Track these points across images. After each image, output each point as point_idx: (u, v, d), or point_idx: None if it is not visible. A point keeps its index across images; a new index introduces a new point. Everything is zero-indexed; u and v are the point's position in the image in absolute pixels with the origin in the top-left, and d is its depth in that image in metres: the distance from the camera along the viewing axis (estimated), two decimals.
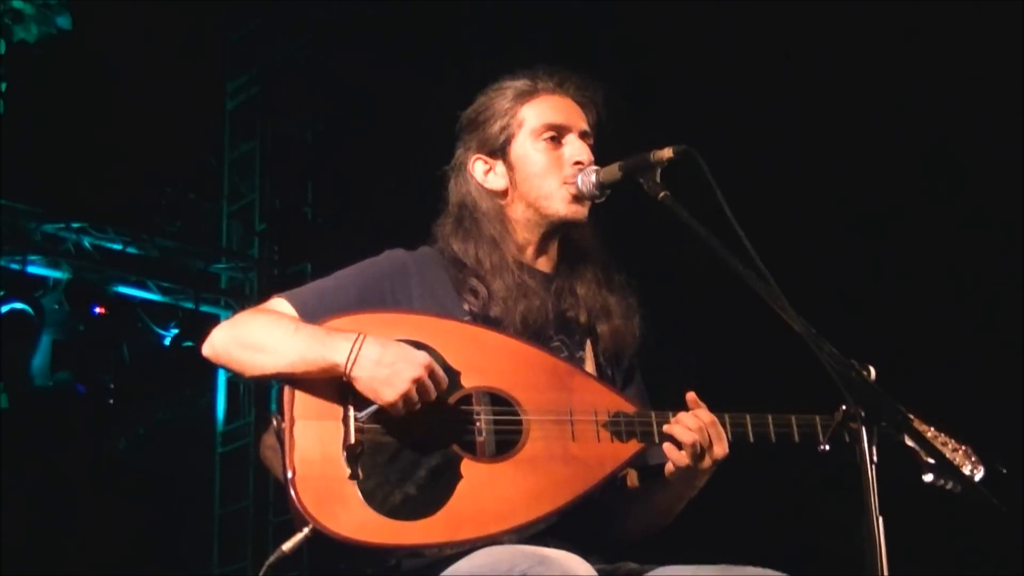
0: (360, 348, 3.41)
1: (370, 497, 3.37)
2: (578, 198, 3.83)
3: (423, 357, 3.42)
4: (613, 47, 9.51)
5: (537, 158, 3.86)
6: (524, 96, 3.92)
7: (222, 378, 11.94)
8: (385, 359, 3.40)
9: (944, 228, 8.80)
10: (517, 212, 3.88)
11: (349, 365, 3.40)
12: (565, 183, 3.83)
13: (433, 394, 3.42)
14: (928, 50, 8.66)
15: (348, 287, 3.71)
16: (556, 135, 3.87)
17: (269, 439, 3.56)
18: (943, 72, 8.64)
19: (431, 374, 3.41)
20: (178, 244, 11.82)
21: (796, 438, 3.70)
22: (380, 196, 11.21)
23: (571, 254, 3.94)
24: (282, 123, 12.19)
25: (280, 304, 3.66)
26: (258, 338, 3.56)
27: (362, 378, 3.40)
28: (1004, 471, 3.75)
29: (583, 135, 3.90)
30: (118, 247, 11.41)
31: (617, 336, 3.89)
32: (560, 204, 3.83)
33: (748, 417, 3.68)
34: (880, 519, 2.93)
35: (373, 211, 11.13)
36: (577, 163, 3.83)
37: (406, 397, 3.38)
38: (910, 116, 8.81)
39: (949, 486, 3.77)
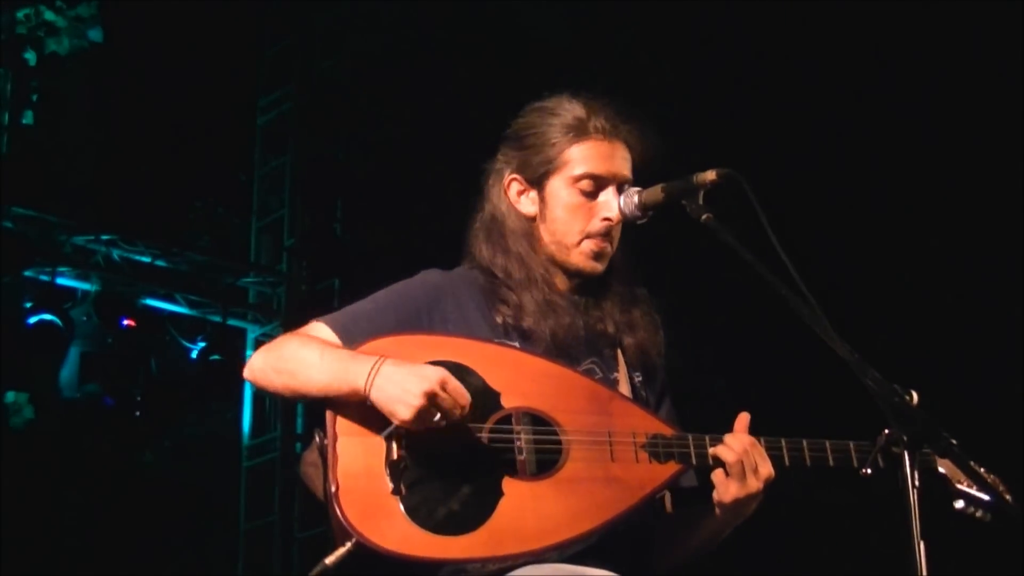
0: (377, 371, 3.42)
1: (413, 512, 3.39)
2: (597, 255, 3.84)
3: (435, 372, 3.41)
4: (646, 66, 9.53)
5: (569, 203, 3.84)
6: (574, 135, 3.85)
7: (248, 392, 11.95)
8: (395, 377, 3.40)
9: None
10: (542, 242, 3.89)
11: (367, 389, 3.42)
12: (588, 236, 3.83)
13: (450, 406, 3.40)
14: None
15: (385, 310, 3.72)
16: (594, 186, 3.84)
17: (311, 456, 3.58)
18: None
19: (444, 387, 3.39)
20: (207, 258, 11.84)
21: (831, 463, 3.71)
22: (410, 214, 11.24)
23: (599, 276, 3.93)
24: (313, 139, 12.21)
25: (319, 328, 3.68)
26: (290, 364, 3.58)
27: (379, 400, 3.41)
28: None
29: (621, 186, 3.85)
30: (147, 260, 11.43)
31: (642, 349, 3.89)
32: (577, 257, 3.85)
33: (784, 441, 3.70)
34: (922, 544, 2.94)
35: (403, 229, 11.15)
36: (605, 219, 3.82)
37: (420, 413, 3.37)
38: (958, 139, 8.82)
39: (979, 514, 3.78)
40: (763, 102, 9.38)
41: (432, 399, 3.37)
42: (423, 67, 11.45)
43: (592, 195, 3.84)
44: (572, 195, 3.84)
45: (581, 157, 3.85)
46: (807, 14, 9.09)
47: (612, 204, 3.82)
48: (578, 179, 3.84)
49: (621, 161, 3.87)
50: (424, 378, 3.38)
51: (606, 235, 3.84)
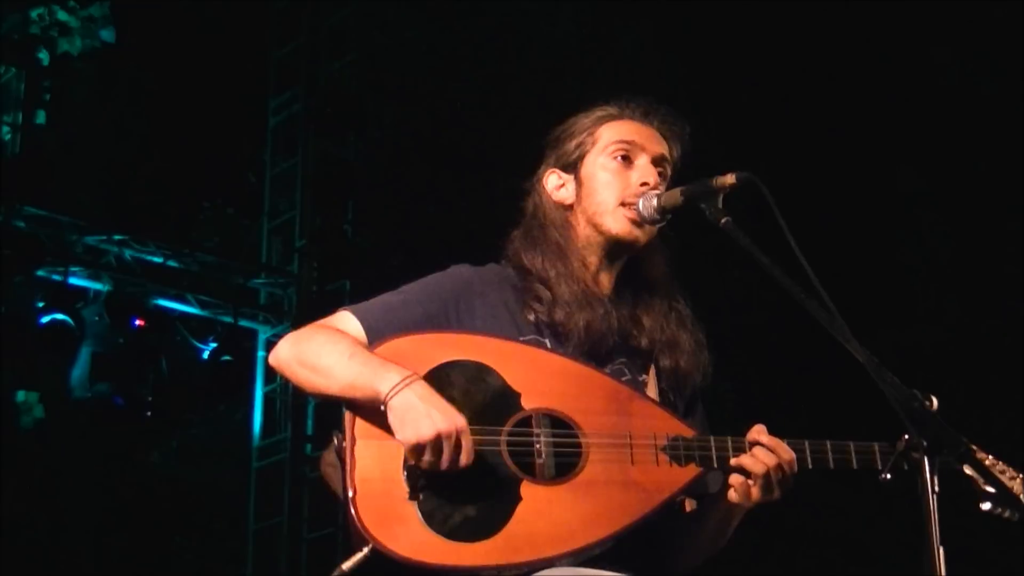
0: (409, 383, 3.41)
1: (429, 518, 3.38)
2: (637, 222, 3.80)
3: (461, 420, 3.39)
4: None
5: (603, 176, 3.86)
6: (607, 118, 3.93)
7: (259, 393, 11.96)
8: (427, 402, 3.39)
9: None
10: (580, 228, 3.88)
11: (392, 393, 3.39)
12: (625, 203, 3.81)
13: (450, 458, 3.37)
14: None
15: (414, 303, 3.71)
16: (627, 154, 3.86)
17: (329, 456, 3.56)
18: None
19: (460, 437, 3.38)
20: (218, 259, 11.85)
21: (855, 465, 3.68)
22: (420, 216, 11.24)
23: (638, 282, 3.92)
24: (324, 141, 12.20)
25: (346, 318, 3.67)
26: (316, 359, 3.57)
27: (396, 408, 3.39)
28: None
29: (656, 160, 3.87)
30: (159, 260, 11.44)
31: (680, 372, 3.87)
32: (614, 223, 3.81)
33: (807, 443, 3.67)
34: (941, 549, 2.94)
35: (412, 231, 11.16)
36: (643, 184, 3.81)
37: (422, 444, 3.35)
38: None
39: (1007, 515, 3.76)
40: (781, 104, 9.36)
41: (439, 442, 3.35)
42: (433, 69, 11.46)
43: (627, 163, 3.86)
44: (606, 163, 3.87)
45: (612, 131, 3.91)
46: (822, 14, 9.09)
47: (647, 171, 3.84)
48: (610, 149, 3.88)
49: (655, 140, 3.91)
50: (449, 420, 3.37)
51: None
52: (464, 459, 3.39)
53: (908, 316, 8.89)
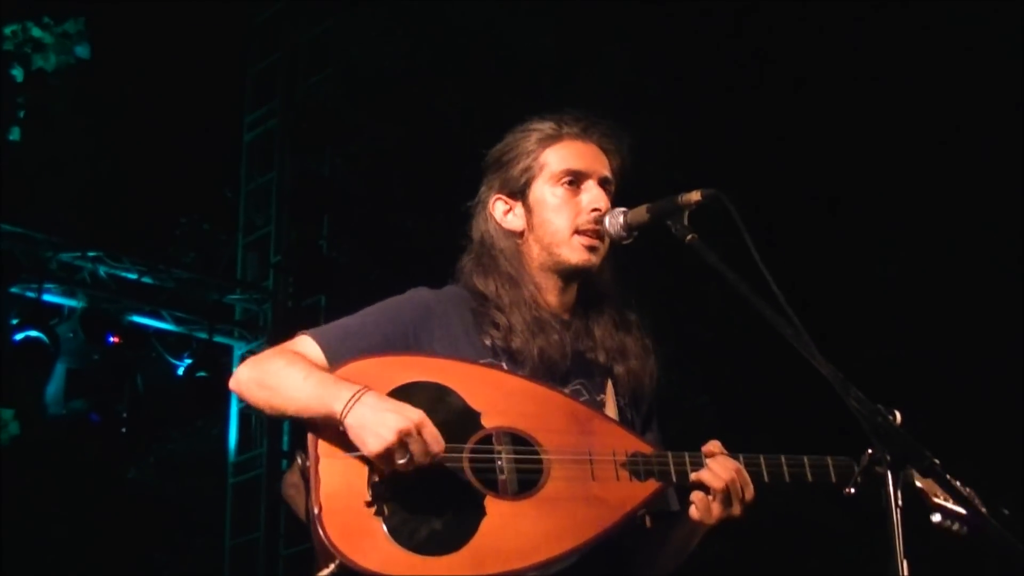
0: (358, 398, 3.44)
1: (396, 533, 3.39)
2: (591, 248, 3.84)
3: (415, 413, 3.42)
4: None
5: (553, 203, 3.88)
6: (548, 140, 3.94)
7: (234, 409, 11.94)
8: (377, 409, 3.42)
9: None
10: (533, 253, 3.91)
11: (344, 413, 3.43)
12: (579, 231, 3.84)
13: (420, 450, 3.40)
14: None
15: (373, 326, 3.74)
16: (575, 180, 3.88)
17: (292, 477, 3.59)
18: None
19: (421, 430, 3.41)
20: (193, 275, 11.83)
21: (809, 478, 3.73)
22: (395, 231, 11.25)
23: (588, 296, 3.95)
24: (299, 156, 12.19)
25: (306, 342, 3.70)
26: (273, 380, 3.61)
27: (353, 425, 3.42)
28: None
29: (603, 182, 3.90)
30: (134, 277, 11.41)
31: (634, 377, 3.91)
32: (570, 252, 3.85)
33: (762, 457, 3.72)
34: (905, 563, 2.95)
35: (388, 246, 11.17)
36: (594, 210, 3.83)
37: (388, 448, 3.38)
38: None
39: (956, 527, 3.79)
40: (750, 120, 9.40)
41: (404, 438, 3.38)
42: (409, 84, 11.48)
43: (575, 189, 3.88)
44: (555, 193, 3.89)
45: (558, 157, 3.92)
46: (790, 29, 9.13)
47: (596, 196, 3.85)
48: (558, 177, 3.89)
49: (598, 159, 3.94)
50: (404, 417, 3.40)
51: (596, 231, 3.85)
52: (435, 447, 3.42)
53: (876, 333, 8.92)
